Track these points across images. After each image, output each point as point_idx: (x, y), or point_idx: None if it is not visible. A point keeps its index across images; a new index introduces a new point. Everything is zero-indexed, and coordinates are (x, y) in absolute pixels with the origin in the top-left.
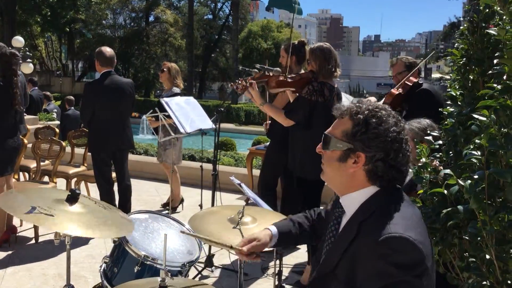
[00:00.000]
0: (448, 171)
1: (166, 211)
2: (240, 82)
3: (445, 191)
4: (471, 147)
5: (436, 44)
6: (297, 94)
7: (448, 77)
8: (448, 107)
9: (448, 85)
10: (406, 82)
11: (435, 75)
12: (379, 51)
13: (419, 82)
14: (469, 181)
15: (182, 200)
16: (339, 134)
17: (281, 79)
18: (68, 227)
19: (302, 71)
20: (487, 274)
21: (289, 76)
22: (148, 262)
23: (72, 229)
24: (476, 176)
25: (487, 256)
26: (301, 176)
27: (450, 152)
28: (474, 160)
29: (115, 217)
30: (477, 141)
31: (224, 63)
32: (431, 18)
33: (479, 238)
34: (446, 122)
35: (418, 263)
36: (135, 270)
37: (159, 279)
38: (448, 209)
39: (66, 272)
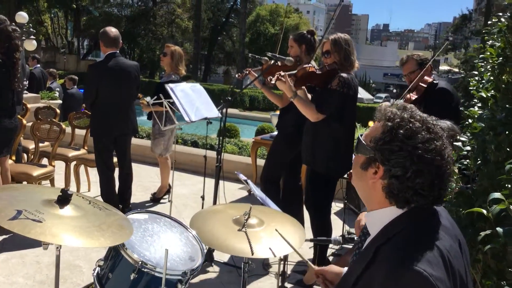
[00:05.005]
0: (498, 195)
1: (168, 201)
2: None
3: (484, 211)
4: None
5: (446, 36)
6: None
7: (456, 70)
8: (475, 108)
9: (471, 84)
10: (420, 84)
11: (443, 67)
12: (387, 40)
13: (434, 81)
14: None
15: (168, 191)
16: (369, 139)
17: (309, 70)
18: (58, 236)
19: (313, 62)
20: None
21: (317, 69)
22: (145, 270)
23: (62, 238)
24: None
25: None
26: (324, 174)
27: (478, 159)
28: None
29: (112, 220)
30: None
31: (230, 47)
32: (441, 9)
33: None
34: (474, 126)
35: None
36: (132, 278)
37: None
38: (487, 232)
39: (55, 279)
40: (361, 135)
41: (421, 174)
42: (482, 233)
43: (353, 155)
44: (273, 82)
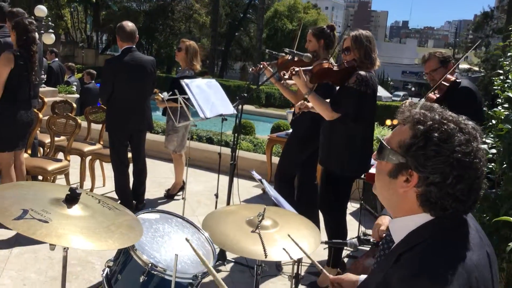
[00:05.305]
0: None
1: (182, 198)
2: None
3: None
4: None
5: (466, 34)
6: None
7: (476, 68)
8: (500, 109)
9: (495, 83)
10: (442, 82)
11: (463, 65)
12: (406, 37)
13: (457, 80)
14: None
15: (182, 187)
16: (395, 144)
17: (326, 66)
18: (64, 237)
19: (331, 59)
20: None
21: (335, 65)
22: (155, 272)
23: (68, 239)
24: None
25: None
26: (339, 174)
27: (504, 163)
28: None
29: (121, 221)
30: None
31: (248, 43)
32: (461, 7)
33: None
34: (499, 127)
35: None
36: (141, 280)
37: None
38: None
39: (62, 281)
40: (383, 139)
41: (462, 179)
42: (511, 244)
43: (373, 159)
44: (286, 77)
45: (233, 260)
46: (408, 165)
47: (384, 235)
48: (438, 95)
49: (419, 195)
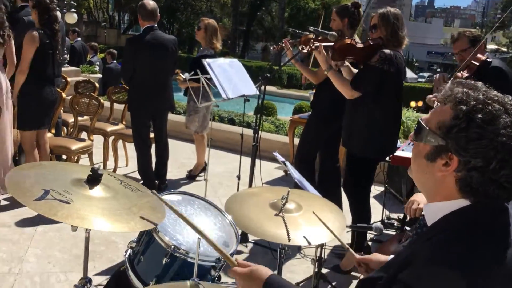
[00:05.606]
0: None
1: (204, 179)
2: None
3: None
4: None
5: (494, 13)
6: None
7: (505, 49)
8: None
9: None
10: (472, 61)
11: (491, 46)
12: (432, 17)
13: (488, 59)
14: None
15: (204, 168)
16: (434, 124)
17: (348, 42)
18: (85, 219)
19: (356, 37)
20: None
21: (359, 42)
22: (178, 254)
23: (89, 221)
24: None
25: None
26: (360, 156)
27: None
28: None
29: (143, 203)
30: None
31: (270, 22)
32: None
33: None
34: None
35: None
36: (164, 262)
37: None
38: None
39: (84, 262)
40: (421, 120)
41: (507, 164)
42: None
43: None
44: (304, 51)
45: (255, 242)
46: (448, 148)
47: (420, 215)
48: (467, 75)
49: (458, 180)
